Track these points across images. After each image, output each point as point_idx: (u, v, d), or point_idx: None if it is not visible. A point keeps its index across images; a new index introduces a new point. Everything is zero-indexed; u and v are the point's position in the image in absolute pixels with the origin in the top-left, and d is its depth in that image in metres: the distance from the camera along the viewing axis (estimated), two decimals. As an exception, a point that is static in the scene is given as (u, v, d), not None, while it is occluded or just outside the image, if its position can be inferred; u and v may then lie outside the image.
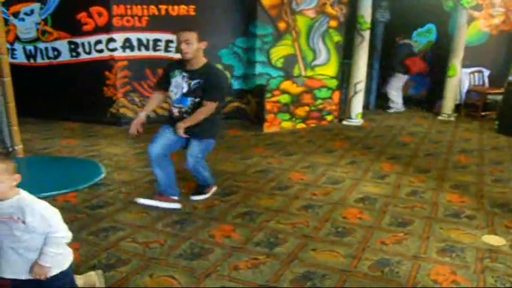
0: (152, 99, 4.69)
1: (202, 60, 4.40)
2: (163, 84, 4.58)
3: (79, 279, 2.97)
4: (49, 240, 2.45)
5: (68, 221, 2.54)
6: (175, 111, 4.45)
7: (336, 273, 3.42)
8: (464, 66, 9.51)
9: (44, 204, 2.47)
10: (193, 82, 4.32)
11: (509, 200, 5.00)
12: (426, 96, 10.64)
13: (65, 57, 7.93)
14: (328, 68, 8.35)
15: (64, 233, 2.51)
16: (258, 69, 7.79)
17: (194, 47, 4.23)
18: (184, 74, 4.35)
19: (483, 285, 3.32)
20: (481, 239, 4.04)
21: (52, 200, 4.26)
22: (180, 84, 4.37)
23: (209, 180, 4.87)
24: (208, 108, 4.34)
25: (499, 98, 8.92)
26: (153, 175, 5.42)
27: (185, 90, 4.34)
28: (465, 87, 9.80)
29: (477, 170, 6.09)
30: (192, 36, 4.21)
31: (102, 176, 5.36)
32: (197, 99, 4.35)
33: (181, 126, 4.28)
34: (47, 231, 2.43)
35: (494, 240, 4.03)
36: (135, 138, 4.80)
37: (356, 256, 3.68)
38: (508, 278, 3.41)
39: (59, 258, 2.55)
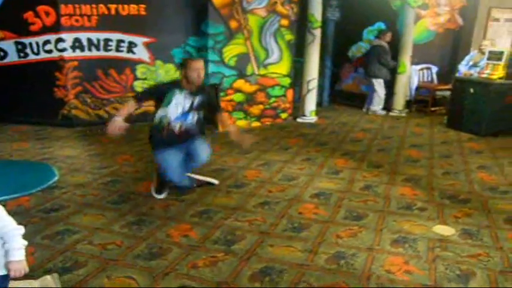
0: (129, 108, 4.72)
1: None
2: (146, 100, 4.94)
3: (34, 284, 2.92)
4: (10, 234, 2.40)
5: (20, 225, 2.48)
6: (177, 126, 4.72)
7: (294, 267, 3.47)
8: (413, 63, 9.77)
9: None
10: (196, 100, 4.76)
11: (458, 192, 5.18)
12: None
13: (13, 58, 7.70)
14: (280, 67, 8.41)
15: (16, 225, 2.45)
16: (211, 68, 7.77)
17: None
18: (186, 93, 4.69)
19: (434, 273, 3.43)
20: (432, 229, 4.18)
21: (3, 205, 4.15)
22: (181, 102, 4.68)
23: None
24: (225, 116, 5.44)
25: (447, 93, 9.22)
26: (107, 176, 5.40)
27: (187, 107, 4.72)
28: (415, 83, 10.04)
29: (428, 163, 6.27)
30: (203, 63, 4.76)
31: (56, 178, 5.25)
32: (199, 114, 4.86)
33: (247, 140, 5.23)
34: (1, 227, 2.37)
35: (444, 230, 4.17)
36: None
37: (312, 250, 3.74)
38: (457, 266, 3.54)
39: None
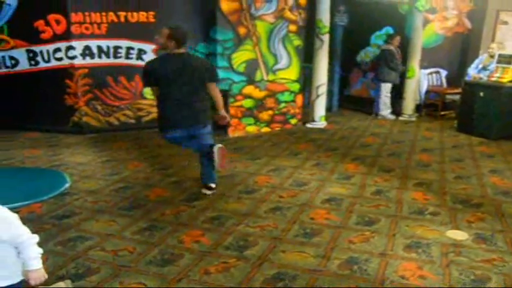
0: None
1: None
2: None
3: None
4: (26, 244, 2.38)
5: (33, 232, 2.47)
6: None
7: (306, 273, 3.46)
8: (422, 67, 9.75)
9: (2, 208, 2.37)
10: None
11: (471, 196, 5.15)
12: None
13: (24, 66, 7.75)
14: (289, 72, 8.42)
15: (31, 234, 2.44)
16: (220, 74, 7.77)
17: None
18: None
19: (449, 278, 3.41)
20: (445, 234, 4.16)
21: (16, 212, 4.17)
22: None
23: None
24: None
25: (457, 97, 9.18)
26: (118, 183, 5.41)
27: None
28: (424, 87, 10.01)
29: (439, 167, 6.24)
30: None
31: (67, 185, 5.27)
32: None
33: None
34: (16, 237, 2.35)
35: (457, 235, 4.14)
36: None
37: (325, 256, 3.73)
38: (471, 271, 3.52)
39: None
